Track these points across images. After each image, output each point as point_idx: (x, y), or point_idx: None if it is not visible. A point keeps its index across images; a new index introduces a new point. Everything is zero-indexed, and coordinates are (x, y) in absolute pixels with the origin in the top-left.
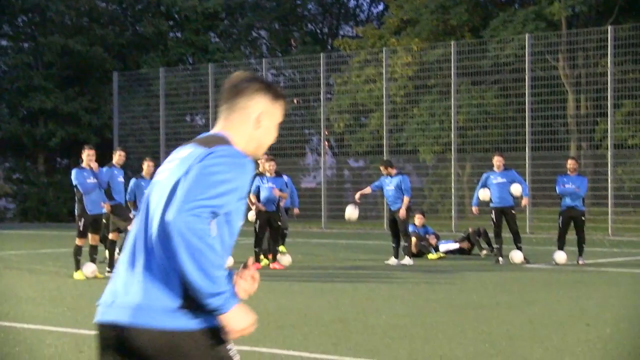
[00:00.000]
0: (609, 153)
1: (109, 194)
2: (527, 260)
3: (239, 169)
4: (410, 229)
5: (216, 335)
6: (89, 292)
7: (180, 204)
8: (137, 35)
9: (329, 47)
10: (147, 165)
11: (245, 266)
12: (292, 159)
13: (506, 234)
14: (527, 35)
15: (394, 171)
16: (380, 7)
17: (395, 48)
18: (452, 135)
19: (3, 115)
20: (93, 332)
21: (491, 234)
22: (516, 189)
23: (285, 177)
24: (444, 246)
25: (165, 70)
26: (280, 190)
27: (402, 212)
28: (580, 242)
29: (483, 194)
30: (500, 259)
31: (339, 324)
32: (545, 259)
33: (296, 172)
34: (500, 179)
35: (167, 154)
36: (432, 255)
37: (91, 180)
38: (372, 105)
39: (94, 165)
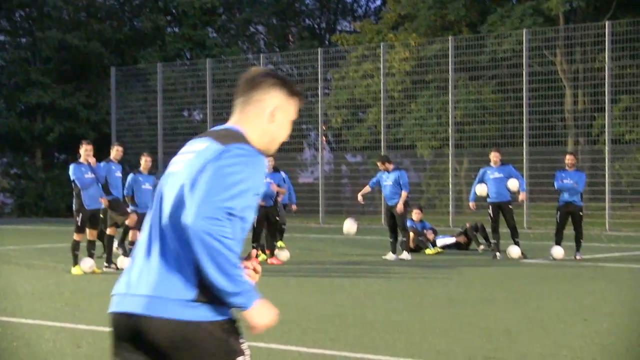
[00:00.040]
0: (607, 148)
1: (106, 189)
2: (524, 255)
3: (254, 167)
4: (408, 224)
5: (229, 327)
6: (87, 287)
7: (198, 208)
8: (135, 30)
9: (327, 42)
10: (144, 161)
11: (248, 257)
12: (289, 154)
13: (503, 229)
14: (524, 31)
15: (391, 166)
16: (378, 2)
17: (393, 43)
18: (450, 131)
19: (0, 110)
20: (91, 327)
21: (488, 229)
22: (513, 184)
23: (282, 173)
24: (441, 241)
25: (162, 66)
26: (278, 185)
27: (400, 206)
28: (578, 238)
29: (480, 189)
30: (498, 254)
31: (337, 319)
32: (542, 254)
33: (294, 167)
34: (497, 174)
35: (165, 149)
36: (429, 251)
37: (89, 175)
38: (370, 100)
39: (92, 160)
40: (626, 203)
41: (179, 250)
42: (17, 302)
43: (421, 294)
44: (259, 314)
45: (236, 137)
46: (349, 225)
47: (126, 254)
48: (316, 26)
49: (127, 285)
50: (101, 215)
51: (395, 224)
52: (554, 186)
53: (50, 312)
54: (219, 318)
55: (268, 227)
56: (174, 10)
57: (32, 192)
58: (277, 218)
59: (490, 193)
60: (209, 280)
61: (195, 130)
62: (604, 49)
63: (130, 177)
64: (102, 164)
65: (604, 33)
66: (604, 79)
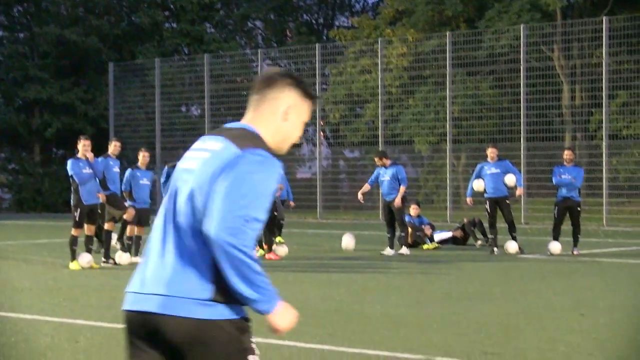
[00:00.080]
0: (604, 144)
1: (103, 184)
2: (521, 250)
3: (271, 172)
4: (406, 219)
5: (243, 325)
6: (85, 282)
7: (221, 218)
8: (133, 25)
9: (325, 37)
10: (142, 156)
11: None
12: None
13: (501, 224)
14: (522, 26)
15: (388, 162)
16: None
17: (391, 39)
18: (447, 126)
19: None
20: (89, 322)
21: (486, 225)
22: (510, 179)
23: None
24: (438, 236)
25: (160, 61)
26: None
27: (398, 201)
28: (576, 233)
29: (477, 184)
30: (495, 249)
31: (335, 314)
32: (540, 250)
33: (292, 162)
34: (494, 170)
35: (163, 144)
36: (427, 246)
37: (87, 170)
38: (368, 95)
39: (90, 155)
40: (623, 198)
41: (195, 249)
42: (15, 298)
43: (419, 289)
44: (281, 317)
45: (252, 140)
46: (347, 241)
47: (125, 249)
48: (314, 22)
49: (141, 283)
50: (99, 211)
51: (393, 219)
52: (552, 181)
53: (48, 307)
54: (234, 316)
55: (266, 222)
56: (171, 6)
57: (30, 188)
58: (276, 213)
59: (488, 188)
60: (233, 289)
61: (193, 126)
62: (602, 44)
63: (128, 172)
64: (100, 159)
65: (602, 29)
66: (602, 74)
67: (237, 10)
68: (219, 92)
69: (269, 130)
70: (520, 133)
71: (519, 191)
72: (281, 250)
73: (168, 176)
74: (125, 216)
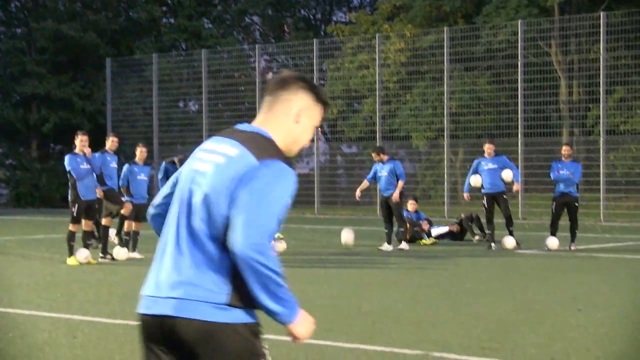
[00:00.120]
0: (601, 139)
1: (101, 180)
2: (518, 244)
3: (289, 184)
4: (404, 214)
5: (256, 329)
6: (83, 277)
7: (245, 235)
8: (131, 20)
9: (322, 33)
10: (140, 151)
11: None
12: None
13: (498, 220)
14: (519, 22)
15: (385, 157)
16: None
17: (388, 34)
18: (445, 121)
19: None
20: (87, 318)
21: (483, 220)
22: (507, 174)
23: None
24: (435, 230)
25: (158, 56)
26: None
27: (396, 196)
28: (573, 228)
29: (474, 180)
30: (493, 244)
31: (332, 310)
32: (537, 245)
33: (289, 157)
34: (491, 165)
35: (161, 139)
36: (425, 241)
37: (84, 166)
38: (365, 91)
39: (87, 150)
40: (620, 194)
41: (211, 253)
42: (12, 293)
43: (416, 284)
44: (302, 326)
45: (268, 149)
46: (347, 236)
47: (122, 244)
48: (312, 17)
49: (156, 287)
50: (96, 206)
51: (391, 214)
52: (550, 177)
53: (45, 302)
54: (250, 320)
55: None
56: (169, 1)
57: (28, 183)
58: None
59: (485, 184)
60: (258, 302)
61: (191, 121)
62: (599, 40)
63: (125, 167)
64: (97, 154)
65: (599, 24)
66: (599, 70)
67: (235, 5)
68: (216, 87)
69: (281, 132)
70: (517, 128)
71: (516, 186)
72: (279, 245)
73: (166, 171)
74: (122, 211)
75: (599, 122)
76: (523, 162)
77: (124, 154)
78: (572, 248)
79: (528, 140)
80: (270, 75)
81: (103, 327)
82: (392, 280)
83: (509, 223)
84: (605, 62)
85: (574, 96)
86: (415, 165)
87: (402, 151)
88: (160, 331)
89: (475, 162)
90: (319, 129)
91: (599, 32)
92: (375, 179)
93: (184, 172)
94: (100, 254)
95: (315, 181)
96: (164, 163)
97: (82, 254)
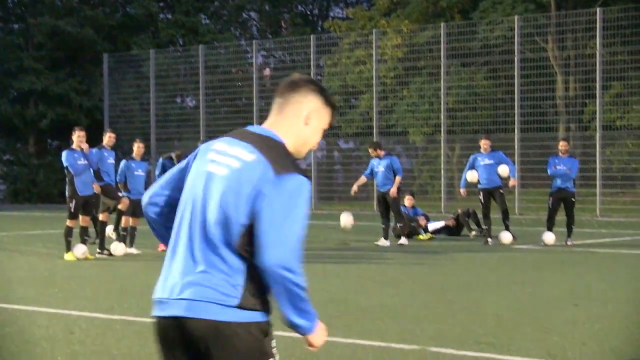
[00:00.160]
0: (598, 134)
1: (98, 175)
2: (514, 237)
3: (308, 196)
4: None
5: (267, 329)
6: (80, 273)
7: (274, 252)
8: (128, 16)
9: (319, 28)
10: (137, 147)
11: None
12: None
13: (495, 215)
14: (516, 17)
15: (382, 153)
16: None
17: (385, 30)
18: (442, 117)
19: None
20: (84, 313)
21: (480, 215)
22: (503, 170)
23: None
24: (431, 225)
25: (155, 52)
26: None
27: (394, 191)
28: (570, 223)
29: (471, 175)
30: (489, 239)
31: (330, 305)
32: (534, 240)
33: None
34: (487, 161)
35: (158, 135)
36: (422, 237)
37: (82, 161)
38: (362, 86)
39: (85, 146)
40: (617, 189)
41: (225, 256)
42: (9, 289)
43: (413, 279)
44: (319, 336)
45: (284, 159)
46: (346, 219)
47: (120, 239)
48: (309, 13)
49: (168, 289)
50: (93, 201)
51: (388, 210)
52: (547, 172)
53: (43, 298)
54: (260, 320)
55: None
56: None
57: (25, 179)
58: None
59: (481, 179)
60: (282, 314)
61: (188, 117)
62: (595, 35)
63: (122, 163)
64: (94, 150)
65: (595, 20)
66: (595, 65)
67: (232, 1)
68: (213, 83)
69: (291, 134)
70: (514, 124)
71: (512, 182)
72: None
73: (163, 167)
74: (119, 206)
75: (595, 118)
76: (519, 158)
77: (121, 150)
78: (569, 243)
79: (524, 135)
80: (267, 71)
81: (100, 323)
82: (388, 275)
83: (505, 217)
84: (602, 57)
85: (571, 92)
86: (412, 161)
87: (399, 147)
88: (173, 333)
89: (472, 157)
90: None
91: (596, 27)
92: (372, 174)
93: (194, 172)
94: (98, 250)
95: (312, 177)
96: (161, 159)
97: (80, 250)
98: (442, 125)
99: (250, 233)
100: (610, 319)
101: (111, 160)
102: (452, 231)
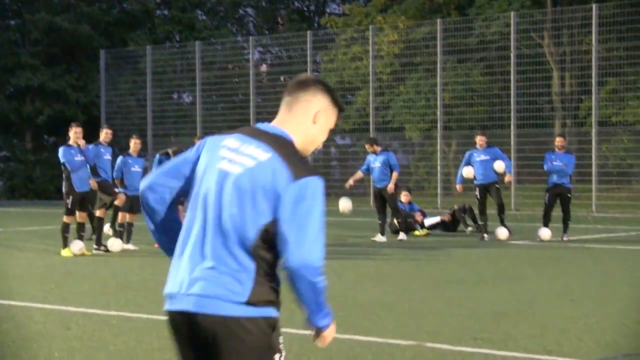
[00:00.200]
0: (593, 130)
1: (94, 171)
2: (510, 231)
3: (323, 197)
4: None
5: (275, 324)
6: (77, 269)
7: (301, 252)
8: (124, 12)
9: (316, 24)
10: (134, 143)
11: None
12: None
13: (491, 211)
14: (512, 13)
15: (378, 149)
16: None
17: (382, 26)
18: (438, 113)
19: None
20: (80, 309)
21: (476, 211)
22: (499, 165)
23: None
24: (427, 221)
25: (152, 48)
26: None
27: (391, 186)
28: (566, 219)
29: (467, 171)
30: (486, 235)
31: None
32: (530, 236)
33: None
34: (483, 157)
35: (155, 131)
36: (418, 232)
37: (79, 157)
38: (359, 82)
39: (82, 142)
40: (612, 185)
41: (238, 253)
42: (6, 285)
43: (410, 275)
44: (331, 332)
45: (298, 161)
46: (344, 204)
47: (117, 235)
48: (305, 9)
49: (178, 284)
50: (90, 197)
51: (384, 205)
52: (544, 168)
53: (39, 294)
54: (269, 315)
55: None
56: None
57: (22, 175)
58: None
59: (477, 175)
60: (306, 312)
61: (185, 113)
62: (591, 31)
63: (119, 159)
64: (91, 146)
65: (591, 16)
66: (591, 61)
67: None
68: (210, 79)
69: (300, 132)
70: (510, 120)
71: (508, 178)
72: None
73: (160, 163)
74: (116, 202)
75: (591, 114)
76: (515, 154)
77: (118, 146)
78: (565, 239)
79: (520, 131)
80: (264, 67)
81: (97, 319)
82: (385, 271)
83: (501, 211)
84: (598, 53)
85: (567, 88)
86: (408, 157)
87: (396, 142)
88: (183, 327)
89: (468, 153)
90: None
91: (591, 23)
92: (368, 170)
93: (204, 167)
94: (95, 246)
95: None
96: (157, 155)
97: (76, 246)
98: (438, 121)
99: (264, 232)
100: (606, 314)
101: (108, 157)
102: (448, 227)
